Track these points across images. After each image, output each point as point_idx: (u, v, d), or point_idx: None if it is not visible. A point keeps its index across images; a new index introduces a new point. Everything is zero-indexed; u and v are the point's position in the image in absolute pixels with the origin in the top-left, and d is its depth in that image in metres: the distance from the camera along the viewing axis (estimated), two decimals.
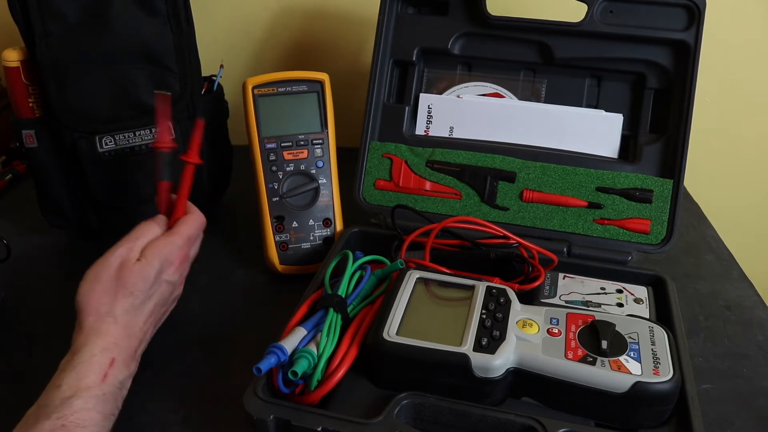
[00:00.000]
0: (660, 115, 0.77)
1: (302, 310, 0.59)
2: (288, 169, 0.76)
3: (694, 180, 0.97)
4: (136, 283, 0.55)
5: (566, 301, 0.64)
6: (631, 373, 0.50)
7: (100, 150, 0.75)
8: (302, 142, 0.76)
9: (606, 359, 0.51)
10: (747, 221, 1.18)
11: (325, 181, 0.76)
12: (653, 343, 0.53)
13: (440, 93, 0.83)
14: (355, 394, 0.54)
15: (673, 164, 0.74)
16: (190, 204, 0.65)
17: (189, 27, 0.77)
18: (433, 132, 0.82)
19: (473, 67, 0.82)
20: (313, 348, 0.53)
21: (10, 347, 0.66)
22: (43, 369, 0.63)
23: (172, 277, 0.59)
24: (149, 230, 0.60)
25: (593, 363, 0.51)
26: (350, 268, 0.63)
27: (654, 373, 0.50)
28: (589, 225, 0.76)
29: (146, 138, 0.76)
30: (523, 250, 0.68)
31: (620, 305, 0.63)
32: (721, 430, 0.56)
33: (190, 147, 0.66)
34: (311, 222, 0.76)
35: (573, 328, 0.55)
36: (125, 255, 0.57)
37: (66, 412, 0.47)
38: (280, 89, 0.75)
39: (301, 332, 0.55)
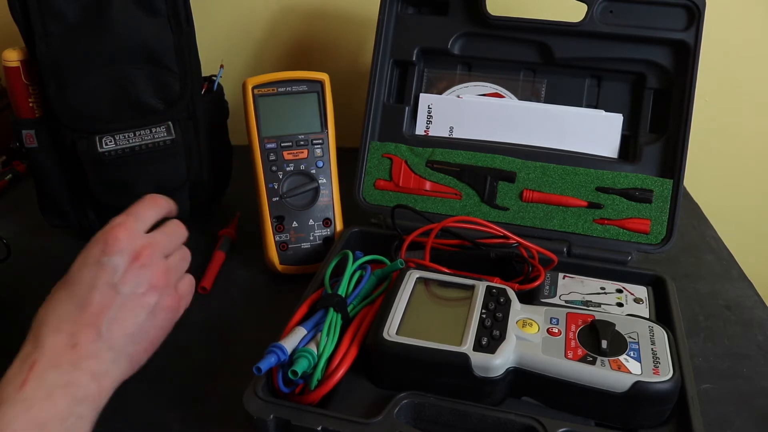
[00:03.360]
0: (660, 115, 0.77)
1: (302, 310, 0.59)
2: (288, 169, 0.76)
3: (694, 180, 0.97)
4: (64, 277, 0.49)
5: (566, 301, 0.64)
6: (631, 373, 0.50)
7: (100, 150, 0.75)
8: (302, 142, 0.76)
9: (606, 359, 0.51)
10: (747, 221, 1.18)
11: (325, 181, 0.76)
12: (653, 343, 0.53)
13: (440, 93, 0.83)
14: (355, 394, 0.54)
15: (673, 164, 0.74)
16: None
17: (189, 27, 0.77)
18: (433, 132, 0.82)
19: (473, 67, 0.82)
20: (313, 347, 0.53)
21: (10, 347, 0.66)
22: None
23: (110, 258, 0.48)
24: None
25: (593, 363, 0.51)
26: (350, 267, 0.63)
27: (654, 373, 0.50)
28: (589, 225, 0.76)
29: (146, 138, 0.76)
30: (523, 249, 0.68)
31: (620, 305, 0.63)
32: (721, 430, 0.56)
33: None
34: (311, 222, 0.76)
35: (573, 327, 0.55)
36: None
37: None
38: (280, 89, 0.75)
39: (301, 332, 0.55)
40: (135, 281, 0.49)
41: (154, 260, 0.51)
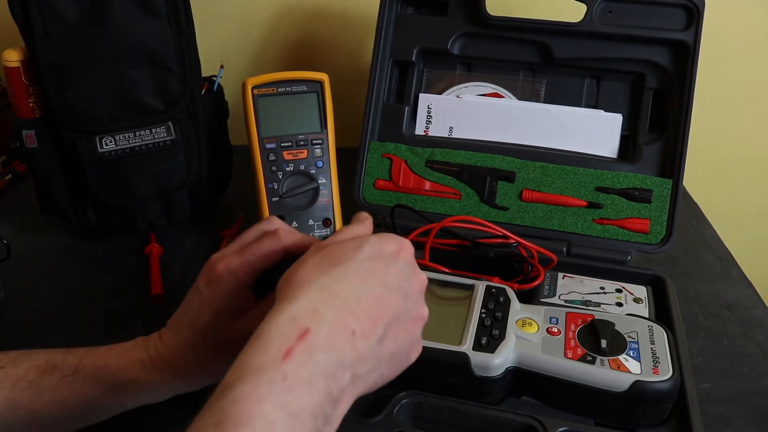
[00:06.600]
0: (659, 115, 0.77)
1: None
2: (288, 169, 0.76)
3: (694, 180, 0.97)
4: (344, 252, 0.41)
5: (566, 301, 0.64)
6: (630, 372, 0.50)
7: (100, 150, 0.75)
8: (302, 142, 0.76)
9: (605, 358, 0.51)
10: (747, 221, 1.18)
11: (324, 181, 0.77)
12: (653, 343, 0.53)
13: (440, 93, 0.83)
14: None
15: (672, 164, 0.74)
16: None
17: (189, 27, 0.77)
18: (433, 132, 0.82)
19: (473, 67, 0.82)
20: None
21: (10, 347, 0.66)
22: None
23: (405, 265, 0.43)
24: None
25: (593, 362, 0.51)
26: None
27: (653, 372, 0.50)
28: (588, 225, 0.76)
29: (146, 138, 0.76)
30: (523, 249, 0.68)
31: (619, 305, 0.63)
32: (720, 430, 0.56)
33: None
34: (311, 222, 0.76)
35: (572, 327, 0.55)
36: (328, 240, 0.45)
37: (224, 403, 0.32)
38: (279, 89, 0.75)
39: None
40: (415, 301, 0.43)
41: (422, 298, 0.45)
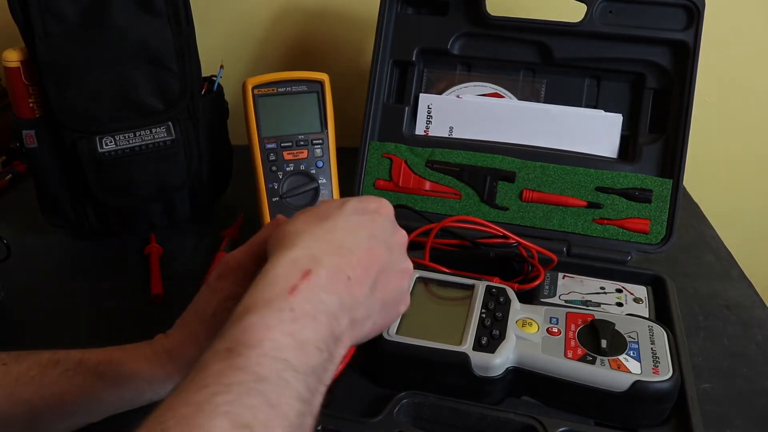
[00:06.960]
0: (659, 115, 0.77)
1: None
2: (288, 169, 0.76)
3: (694, 180, 0.96)
4: (331, 210, 0.45)
5: (566, 301, 0.64)
6: (630, 372, 0.50)
7: (100, 150, 0.75)
8: (302, 142, 0.76)
9: (605, 358, 0.51)
10: (747, 221, 1.18)
11: (325, 181, 0.77)
12: (653, 343, 0.53)
13: (440, 93, 0.83)
14: (355, 393, 0.54)
15: (672, 164, 0.75)
16: None
17: (189, 27, 0.77)
18: (433, 132, 0.82)
19: (473, 67, 0.82)
20: None
21: (10, 347, 0.66)
22: None
23: (385, 218, 0.46)
24: None
25: (593, 362, 0.51)
26: None
27: (653, 372, 0.50)
28: (588, 225, 0.76)
29: (146, 138, 0.76)
30: (523, 249, 0.68)
31: (620, 305, 0.63)
32: (720, 430, 0.56)
33: None
34: None
35: (572, 327, 0.55)
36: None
37: (234, 332, 0.35)
38: (280, 89, 0.76)
39: None
40: (400, 254, 0.46)
41: (405, 252, 0.47)
